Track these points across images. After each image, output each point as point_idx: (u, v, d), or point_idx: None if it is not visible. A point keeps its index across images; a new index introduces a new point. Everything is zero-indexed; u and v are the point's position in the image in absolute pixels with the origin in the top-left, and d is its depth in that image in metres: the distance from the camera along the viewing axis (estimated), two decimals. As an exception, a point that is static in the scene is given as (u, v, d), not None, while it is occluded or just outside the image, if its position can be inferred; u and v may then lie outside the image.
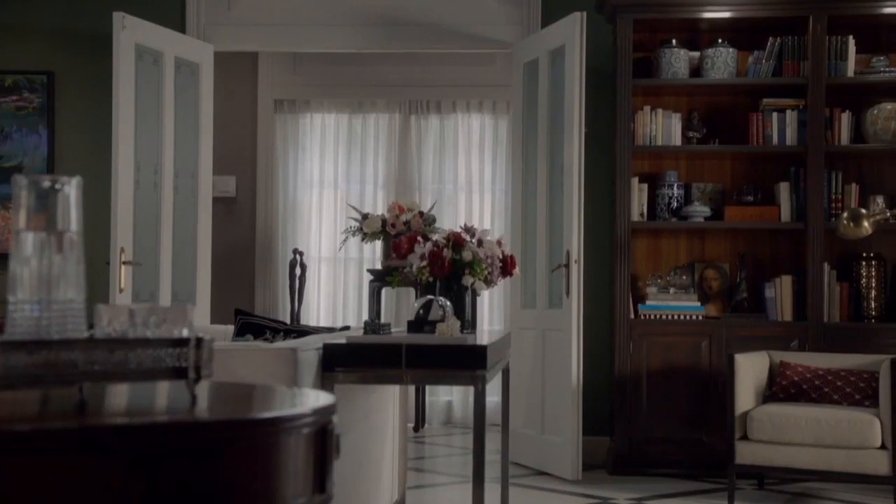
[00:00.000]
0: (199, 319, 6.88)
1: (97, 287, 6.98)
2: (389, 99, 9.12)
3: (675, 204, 6.91)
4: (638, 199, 6.83)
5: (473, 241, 4.54)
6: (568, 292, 6.46)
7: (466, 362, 3.42)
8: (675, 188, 6.92)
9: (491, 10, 7.32)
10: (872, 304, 6.72)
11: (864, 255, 6.76)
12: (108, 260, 6.51)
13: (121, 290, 6.43)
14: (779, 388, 5.98)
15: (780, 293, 6.72)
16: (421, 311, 3.86)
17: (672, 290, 6.82)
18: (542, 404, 6.73)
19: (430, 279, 4.49)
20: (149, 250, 6.70)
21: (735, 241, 7.04)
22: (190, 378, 1.73)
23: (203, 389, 1.86)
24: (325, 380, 3.37)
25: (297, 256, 7.16)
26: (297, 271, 7.46)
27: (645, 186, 6.90)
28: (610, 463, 6.68)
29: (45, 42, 7.27)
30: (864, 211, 6.19)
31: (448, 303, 4.05)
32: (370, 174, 9.20)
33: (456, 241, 4.51)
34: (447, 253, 4.46)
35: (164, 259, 6.80)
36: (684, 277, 6.92)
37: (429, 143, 9.15)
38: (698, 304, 6.78)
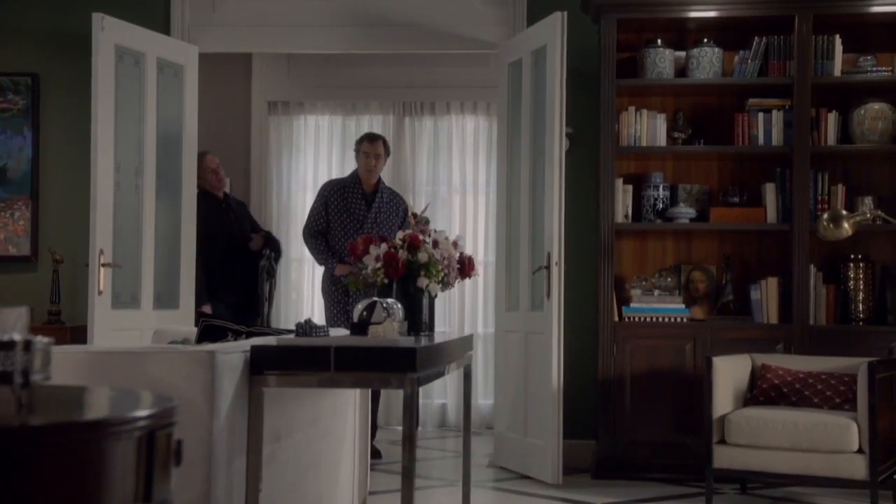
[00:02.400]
0: (182, 322, 6.86)
1: (78, 289, 6.99)
2: (383, 100, 9.08)
3: (660, 205, 6.84)
4: (623, 200, 6.76)
5: (429, 241, 4.51)
6: (549, 295, 6.40)
7: (396, 365, 3.37)
8: (660, 189, 6.85)
9: (478, 10, 7.28)
10: (860, 307, 6.61)
11: (852, 256, 6.66)
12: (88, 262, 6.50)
13: (100, 293, 6.41)
14: (759, 392, 5.89)
15: (766, 295, 6.63)
16: (364, 313, 3.82)
17: (656, 292, 6.75)
18: (525, 407, 6.68)
19: (386, 281, 4.45)
20: (130, 253, 6.67)
21: (721, 242, 6.96)
22: (16, 382, 1.69)
23: (35, 394, 1.81)
24: (252, 383, 3.32)
25: (269, 259, 7.12)
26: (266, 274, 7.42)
27: (630, 188, 6.83)
28: (594, 467, 6.62)
29: (29, 44, 7.27)
30: (844, 212, 6.09)
31: (397, 305, 4.01)
32: (364, 176, 9.16)
33: (412, 243, 4.47)
34: (402, 254, 4.42)
35: (146, 261, 6.77)
36: (670, 279, 6.85)
37: (422, 144, 9.11)
38: (683, 306, 6.71)
